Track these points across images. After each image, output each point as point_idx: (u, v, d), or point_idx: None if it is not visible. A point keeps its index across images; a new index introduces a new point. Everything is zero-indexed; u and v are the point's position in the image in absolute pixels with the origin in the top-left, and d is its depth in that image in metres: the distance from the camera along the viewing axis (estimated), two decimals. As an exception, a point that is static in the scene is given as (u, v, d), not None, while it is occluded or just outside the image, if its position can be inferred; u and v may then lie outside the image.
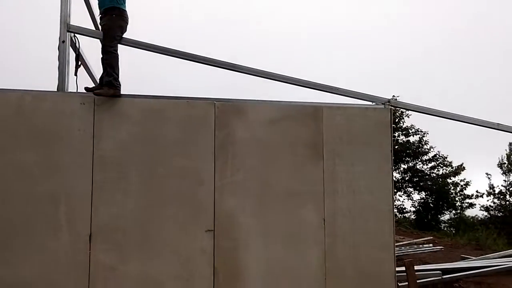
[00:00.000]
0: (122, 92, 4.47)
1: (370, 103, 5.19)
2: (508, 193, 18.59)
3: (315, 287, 4.66)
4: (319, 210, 4.74)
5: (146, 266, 4.30)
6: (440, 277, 7.30)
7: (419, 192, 19.16)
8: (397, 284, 4.94)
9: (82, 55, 5.15)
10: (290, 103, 4.98)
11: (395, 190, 19.00)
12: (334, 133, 4.88)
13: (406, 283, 4.74)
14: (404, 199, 19.58)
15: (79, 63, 5.00)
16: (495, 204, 18.54)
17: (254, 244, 4.58)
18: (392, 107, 5.15)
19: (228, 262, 4.50)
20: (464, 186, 18.98)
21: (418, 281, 6.88)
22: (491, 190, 18.82)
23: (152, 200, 4.40)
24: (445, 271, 7.57)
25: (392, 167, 4.98)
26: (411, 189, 19.35)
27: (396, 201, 19.30)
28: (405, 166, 19.41)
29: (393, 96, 15.79)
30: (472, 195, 18.96)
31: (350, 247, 4.75)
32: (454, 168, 19.29)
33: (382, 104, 5.12)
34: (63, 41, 4.71)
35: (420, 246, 10.46)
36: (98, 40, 4.82)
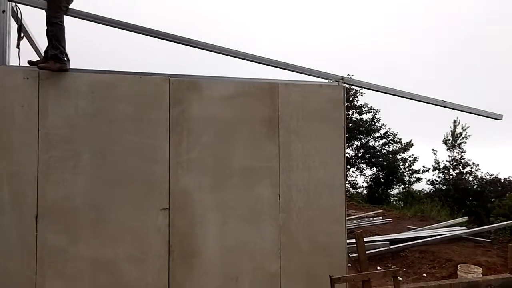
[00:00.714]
0: (70, 67, 4.24)
1: (325, 80, 5.25)
2: (452, 167, 19.66)
3: (270, 261, 4.76)
4: (274, 186, 4.80)
5: (98, 247, 4.19)
6: (388, 247, 7.69)
7: (371, 168, 19.90)
8: (348, 255, 5.14)
9: (25, 26, 4.82)
10: (246, 80, 4.94)
11: (349, 167, 19.63)
12: (289, 110, 4.91)
13: (356, 254, 4.93)
14: (357, 175, 20.30)
15: (22, 35, 4.67)
16: (440, 178, 19.58)
17: (211, 221, 4.58)
18: (345, 85, 5.24)
19: (184, 240, 4.49)
20: (412, 162, 19.91)
21: (368, 251, 7.21)
22: (437, 165, 19.82)
23: (104, 178, 4.26)
24: (392, 242, 7.98)
25: (345, 143, 5.10)
26: (363, 165, 20.04)
27: (349, 177, 19.96)
28: (358, 143, 20.03)
29: (348, 75, 16.05)
30: (419, 170, 19.94)
31: (304, 221, 4.87)
32: (403, 144, 20.14)
33: (336, 81, 5.19)
34: (3, 11, 4.40)
35: (371, 219, 10.92)
36: (43, 11, 4.51)
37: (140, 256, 4.30)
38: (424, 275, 6.70)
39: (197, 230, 4.53)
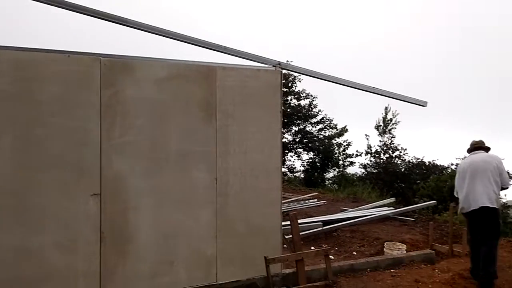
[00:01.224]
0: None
1: (263, 65, 5.28)
2: (382, 152, 20.73)
3: (206, 245, 4.77)
4: (211, 170, 4.80)
5: (23, 235, 3.96)
6: (321, 228, 8.01)
7: (308, 152, 20.47)
8: (284, 237, 5.29)
9: None
10: (182, 62, 4.85)
11: (287, 151, 20.06)
12: (227, 93, 4.90)
13: (291, 235, 5.10)
14: (294, 160, 20.79)
15: None
16: (372, 162, 20.59)
17: (145, 206, 4.49)
18: (283, 70, 5.31)
19: (116, 226, 4.37)
20: (346, 147, 20.74)
21: (303, 232, 7.47)
22: (369, 150, 20.79)
23: (29, 163, 4.00)
24: (326, 223, 8.32)
25: (281, 128, 5.20)
26: (301, 150, 20.56)
27: (287, 161, 20.42)
28: (296, 128, 20.48)
29: (287, 60, 16.27)
30: (353, 154, 20.81)
31: (240, 205, 4.93)
32: (338, 130, 20.90)
33: (273, 66, 5.25)
34: None
35: (306, 201, 11.27)
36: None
37: (68, 243, 4.13)
38: (354, 253, 7.07)
39: (131, 216, 4.42)
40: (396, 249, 6.30)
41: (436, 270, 5.38)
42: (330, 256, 5.60)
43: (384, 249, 6.49)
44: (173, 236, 4.62)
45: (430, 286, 4.66)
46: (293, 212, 5.76)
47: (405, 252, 6.27)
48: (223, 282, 4.82)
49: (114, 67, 4.41)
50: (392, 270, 5.56)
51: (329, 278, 4.98)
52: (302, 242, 6.05)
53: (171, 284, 4.58)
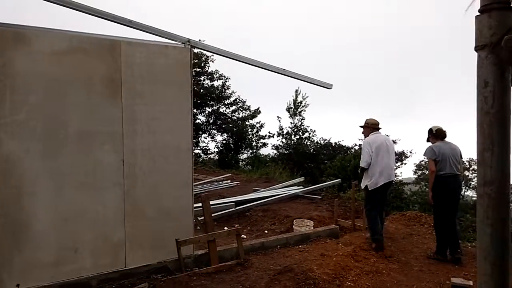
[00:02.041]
0: None
1: (172, 41, 5.08)
2: (293, 133, 21.49)
3: (113, 230, 4.55)
4: (117, 151, 4.54)
5: None
6: (234, 208, 8.09)
7: (221, 134, 20.49)
8: (197, 218, 5.23)
9: None
10: (82, 34, 4.47)
11: (201, 133, 19.88)
12: (133, 70, 4.64)
13: (203, 216, 5.06)
14: (208, 141, 20.69)
15: None
16: (283, 143, 21.25)
17: (44, 191, 4.14)
18: (192, 47, 5.15)
19: (10, 213, 3.97)
20: (259, 128, 21.11)
21: (215, 213, 7.48)
22: (280, 131, 21.41)
23: None
24: (238, 203, 8.42)
25: (192, 107, 5.07)
26: (215, 131, 20.51)
27: (201, 143, 20.27)
28: (210, 110, 20.33)
29: (199, 39, 15.96)
30: (266, 135, 21.28)
31: (150, 187, 4.76)
32: (252, 111, 21.17)
33: (183, 43, 5.07)
34: None
35: (220, 182, 11.31)
36: None
37: None
38: (266, 231, 7.25)
39: (27, 201, 4.05)
40: (304, 226, 6.58)
41: (340, 244, 5.72)
42: (242, 236, 5.67)
43: (293, 226, 6.74)
44: (77, 221, 4.33)
45: (334, 258, 4.93)
46: (205, 194, 5.73)
47: (312, 228, 6.58)
48: (133, 267, 4.65)
49: (3, 36, 3.94)
50: (300, 246, 5.80)
51: (240, 256, 5.04)
52: (215, 223, 6.06)
53: (76, 271, 4.32)
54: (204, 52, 18.68)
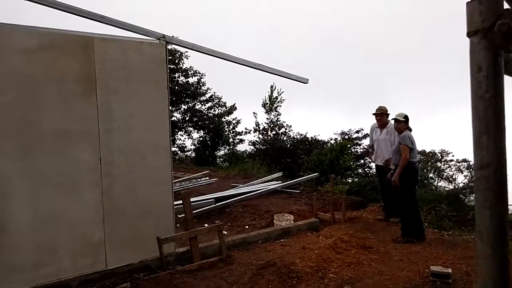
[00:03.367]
0: None
1: (146, 37, 4.99)
2: (270, 129, 21.52)
3: (92, 230, 4.46)
4: (94, 149, 4.45)
5: None
6: (214, 205, 8.05)
7: (198, 131, 20.31)
8: (177, 216, 5.18)
9: None
10: (54, 31, 4.35)
11: (177, 130, 19.67)
12: (108, 67, 4.55)
13: (184, 213, 5.01)
14: (185, 138, 20.49)
15: None
16: (260, 139, 21.25)
17: (18, 192, 4.02)
18: (167, 43, 5.08)
19: (-18, 216, 3.83)
20: (236, 124, 21.04)
21: (197, 210, 7.43)
22: (257, 127, 21.41)
23: None
24: (218, 199, 8.39)
25: (169, 103, 5.01)
26: (191, 129, 20.31)
27: (177, 141, 20.05)
28: (185, 107, 20.13)
29: (173, 36, 15.79)
30: (242, 132, 21.23)
31: (129, 185, 4.68)
32: (228, 108, 21.07)
33: (157, 39, 4.99)
34: None
35: (198, 180, 11.23)
36: None
37: None
38: (246, 227, 7.25)
39: (1, 202, 3.92)
40: (284, 220, 6.61)
41: (321, 237, 5.77)
42: (223, 232, 5.65)
43: (274, 221, 6.77)
44: (54, 222, 4.22)
45: (316, 251, 4.98)
46: (185, 191, 5.67)
47: (292, 222, 6.62)
48: (114, 267, 4.57)
49: (-32, 33, 3.79)
50: (281, 240, 5.83)
51: (223, 253, 5.02)
52: (195, 220, 6.01)
53: (55, 274, 4.22)
54: (178, 48, 18.48)
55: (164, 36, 5.05)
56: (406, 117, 5.92)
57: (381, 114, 6.84)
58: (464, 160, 31.79)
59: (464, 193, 30.61)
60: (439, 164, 31.71)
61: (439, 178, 31.18)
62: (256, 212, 7.93)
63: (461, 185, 31.71)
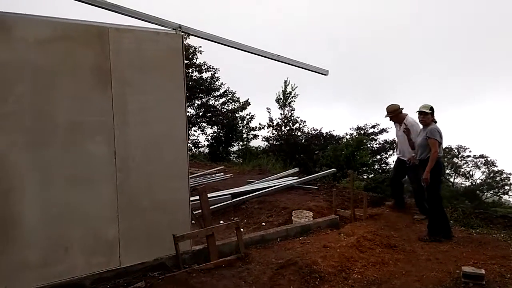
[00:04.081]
0: None
1: (162, 28, 4.82)
2: (283, 124, 21.28)
3: (107, 227, 4.33)
4: (109, 142, 4.30)
5: None
6: (230, 201, 7.88)
7: (212, 126, 20.17)
8: (192, 212, 5.01)
9: None
10: (69, 21, 4.20)
11: (190, 126, 19.55)
12: (123, 58, 4.39)
13: (200, 210, 4.85)
14: (199, 134, 20.37)
15: None
16: (274, 135, 21.03)
17: (31, 186, 3.89)
18: (184, 33, 4.91)
19: (-5, 210, 3.72)
20: (249, 120, 20.83)
21: (212, 206, 7.27)
22: (270, 123, 21.18)
23: None
24: (234, 195, 8.21)
25: (185, 96, 4.83)
26: (205, 124, 20.17)
27: (191, 136, 19.94)
28: (199, 102, 20.00)
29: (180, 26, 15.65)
30: (256, 127, 21.01)
31: (144, 180, 4.53)
32: (241, 103, 20.88)
33: (173, 29, 4.81)
34: None
35: (213, 175, 11.07)
36: None
37: None
38: (263, 223, 7.07)
39: (13, 197, 3.81)
40: (303, 217, 6.40)
41: (342, 235, 5.55)
42: (241, 229, 5.47)
43: (292, 218, 6.56)
44: (67, 218, 4.09)
45: (338, 250, 4.77)
46: (201, 186, 5.50)
47: (311, 219, 6.41)
48: (128, 265, 4.43)
49: (-20, 24, 3.66)
50: (301, 238, 5.63)
51: (240, 251, 4.85)
52: (211, 216, 5.84)
53: (66, 272, 4.08)
54: (192, 43, 18.35)
55: (180, 26, 4.87)
56: (431, 108, 5.66)
57: (392, 117, 6.85)
58: (482, 156, 31.18)
59: (482, 189, 30.12)
60: (455, 160, 31.11)
61: (456, 174, 30.61)
62: (272, 209, 7.74)
63: (478, 181, 31.18)
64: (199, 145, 20.45)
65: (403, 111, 6.87)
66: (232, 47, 5.40)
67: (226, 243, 5.14)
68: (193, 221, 5.12)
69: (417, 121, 6.07)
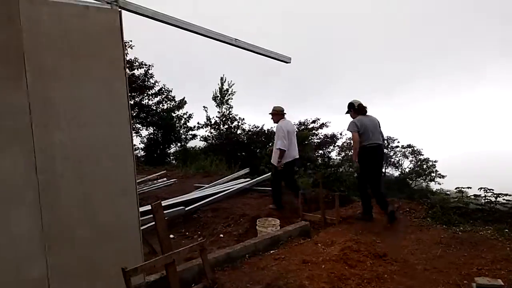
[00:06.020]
0: None
1: (94, 1, 3.76)
2: (222, 123, 20.42)
3: (31, 264, 3.22)
4: (27, 154, 3.18)
5: None
6: (183, 212, 6.87)
7: (147, 127, 18.76)
8: (143, 236, 4.01)
9: None
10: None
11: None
12: (41, 40, 3.29)
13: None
14: (133, 136, 18.86)
15: None
16: (212, 134, 20.09)
17: None
18: (121, 9, 3.88)
19: None
20: (187, 119, 19.68)
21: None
22: (208, 122, 20.22)
23: None
24: (184, 204, 7.22)
25: (127, 88, 3.80)
26: (139, 125, 18.69)
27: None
28: (132, 102, 18.47)
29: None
30: (194, 127, 19.93)
31: (79, 200, 3.46)
32: (177, 102, 19.65)
33: (108, 3, 3.78)
34: None
35: (155, 181, 9.95)
36: None
37: None
38: (221, 235, 6.17)
39: None
40: (270, 226, 5.62)
41: (319, 245, 4.81)
42: (206, 248, 4.54)
43: (257, 227, 5.76)
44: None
45: (323, 266, 4.02)
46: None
47: (279, 227, 5.63)
48: (62, 312, 3.34)
49: None
50: (272, 252, 4.79)
51: (208, 277, 3.92)
52: (169, 238, 4.84)
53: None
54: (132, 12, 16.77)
55: (117, 0, 3.84)
56: (350, 105, 6.18)
57: (272, 116, 7.36)
58: (409, 146, 32.79)
59: (411, 177, 31.61)
60: (385, 150, 32.25)
61: (386, 164, 31.72)
62: (229, 217, 6.86)
63: (407, 170, 32.69)
64: (135, 148, 18.96)
65: (286, 116, 7.28)
66: (185, 29, 4.48)
67: (187, 268, 4.19)
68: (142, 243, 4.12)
69: (289, 125, 7.14)
